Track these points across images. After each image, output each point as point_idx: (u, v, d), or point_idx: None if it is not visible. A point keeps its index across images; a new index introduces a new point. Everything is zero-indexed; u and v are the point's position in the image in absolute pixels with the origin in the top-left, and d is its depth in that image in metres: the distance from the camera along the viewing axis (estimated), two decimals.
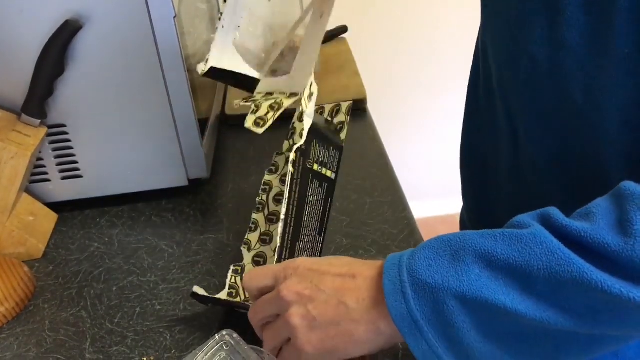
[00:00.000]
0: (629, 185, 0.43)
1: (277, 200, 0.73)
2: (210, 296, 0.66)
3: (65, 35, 0.76)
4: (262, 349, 0.53)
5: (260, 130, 0.63)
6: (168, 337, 0.67)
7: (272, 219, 0.72)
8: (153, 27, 0.77)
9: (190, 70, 0.84)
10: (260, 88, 0.71)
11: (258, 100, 0.67)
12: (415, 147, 2.22)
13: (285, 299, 0.51)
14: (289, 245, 0.62)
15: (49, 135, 0.83)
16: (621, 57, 0.47)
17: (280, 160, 0.75)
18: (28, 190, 0.86)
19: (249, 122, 0.64)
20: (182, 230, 0.85)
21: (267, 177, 0.74)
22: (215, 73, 0.70)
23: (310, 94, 0.65)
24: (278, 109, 0.64)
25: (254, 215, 0.73)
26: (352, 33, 1.39)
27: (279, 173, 0.74)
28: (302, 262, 0.54)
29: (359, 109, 1.13)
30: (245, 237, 0.73)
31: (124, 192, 0.90)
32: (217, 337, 0.52)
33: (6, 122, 0.79)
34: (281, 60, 0.76)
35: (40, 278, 0.79)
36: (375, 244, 0.78)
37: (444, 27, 1.98)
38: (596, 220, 0.42)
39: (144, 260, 0.80)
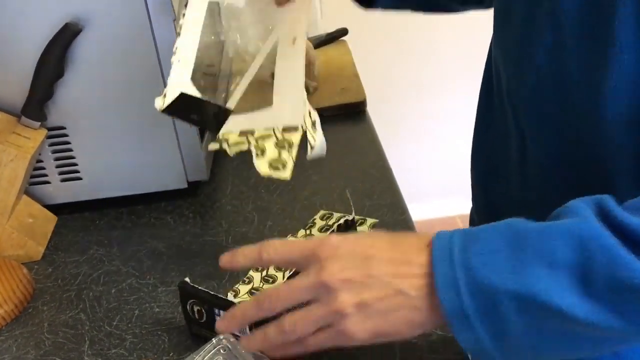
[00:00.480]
0: None
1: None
2: (197, 287, 0.64)
3: (65, 38, 0.76)
4: (261, 354, 0.53)
5: (285, 175, 0.60)
6: (166, 340, 0.67)
7: (268, 280, 0.71)
8: (153, 30, 0.78)
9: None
10: (231, 127, 0.63)
11: (255, 138, 0.62)
12: (414, 149, 2.22)
13: (330, 286, 0.48)
14: None
15: (48, 137, 0.84)
16: (622, 64, 0.48)
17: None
18: (27, 192, 0.86)
19: (263, 168, 0.60)
20: (180, 232, 0.85)
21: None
22: (178, 105, 0.62)
23: (313, 123, 0.63)
24: (290, 146, 0.60)
25: (250, 272, 0.72)
26: (352, 35, 1.40)
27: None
28: (340, 241, 0.51)
29: (358, 111, 1.13)
30: (235, 287, 0.71)
31: (123, 195, 0.90)
32: (214, 341, 0.52)
33: (6, 124, 0.80)
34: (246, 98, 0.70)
35: (39, 280, 0.79)
36: None
37: (443, 30, 1.99)
38: None
39: (142, 263, 0.80)
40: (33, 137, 0.81)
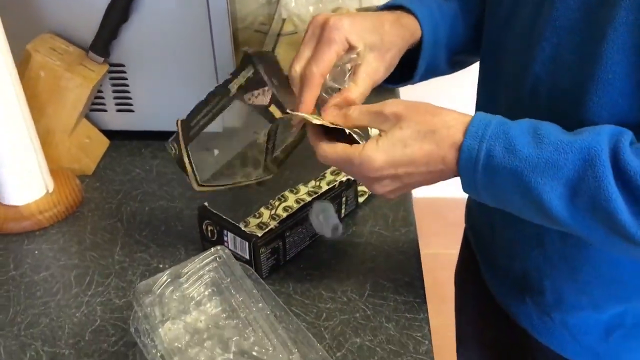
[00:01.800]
0: None
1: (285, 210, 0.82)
2: (212, 211, 0.77)
3: None
4: (250, 269, 0.65)
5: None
6: (182, 252, 0.81)
7: (275, 217, 0.81)
8: None
9: (236, 29, 0.96)
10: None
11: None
12: None
13: (377, 192, 0.61)
14: None
15: (109, 72, 0.98)
16: (607, 81, 0.56)
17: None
18: (87, 117, 1.01)
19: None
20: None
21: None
22: None
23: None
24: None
25: (262, 209, 0.84)
26: None
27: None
28: (381, 165, 0.58)
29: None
30: (247, 218, 0.82)
31: (167, 130, 1.03)
32: (212, 250, 0.65)
33: (76, 56, 0.94)
34: None
35: (88, 191, 0.94)
36: (374, 233, 0.89)
37: None
38: None
39: (174, 189, 0.94)
40: (97, 70, 0.94)
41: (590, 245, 0.64)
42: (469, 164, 0.55)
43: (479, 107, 0.78)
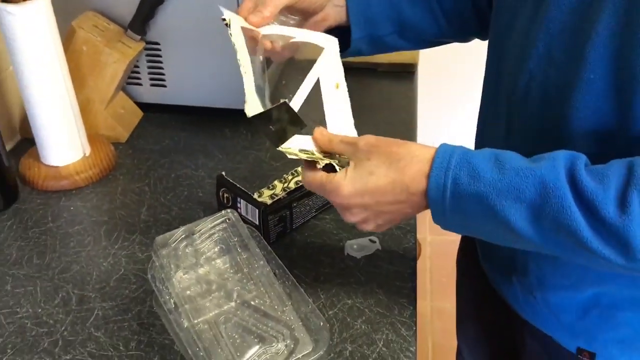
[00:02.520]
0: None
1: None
2: (229, 180, 0.84)
3: None
4: (255, 230, 0.73)
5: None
6: (201, 215, 0.89)
7: (286, 189, 0.87)
8: None
9: None
10: (290, 144, 0.70)
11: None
12: (455, 117, 2.28)
13: (350, 221, 0.65)
14: None
15: (145, 49, 1.06)
16: (590, 80, 0.61)
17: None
18: (124, 90, 1.10)
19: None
20: (233, 143, 1.06)
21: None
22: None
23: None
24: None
25: (275, 182, 0.90)
26: None
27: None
28: (349, 193, 0.62)
29: (409, 71, 1.29)
30: (261, 189, 0.88)
31: (196, 105, 1.12)
32: (222, 213, 0.73)
33: (115, 33, 1.02)
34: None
35: (120, 157, 1.03)
36: None
37: None
38: (609, 187, 0.53)
39: (199, 160, 1.02)
40: (133, 47, 1.03)
41: None
42: (437, 193, 0.59)
43: (482, 104, 0.84)
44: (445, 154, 0.60)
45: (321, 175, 0.66)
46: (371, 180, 0.62)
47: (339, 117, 0.72)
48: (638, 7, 0.55)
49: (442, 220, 0.61)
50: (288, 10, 0.79)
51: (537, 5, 0.66)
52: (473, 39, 0.91)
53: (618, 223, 0.53)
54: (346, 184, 0.63)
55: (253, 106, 0.69)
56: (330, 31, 0.82)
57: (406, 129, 1.10)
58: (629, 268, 0.56)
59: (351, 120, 0.73)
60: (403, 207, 0.63)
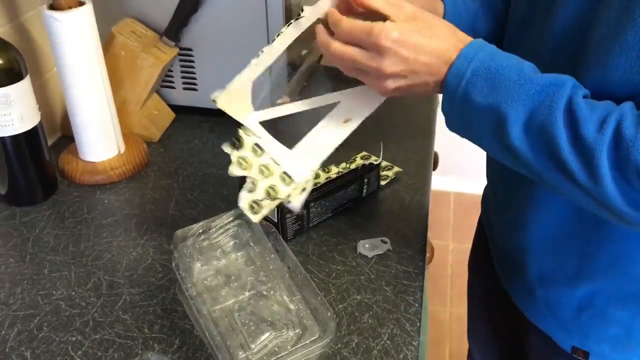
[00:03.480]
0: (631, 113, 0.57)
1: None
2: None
3: None
4: (268, 224, 0.79)
5: (254, 219, 0.71)
6: (225, 211, 0.95)
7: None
8: None
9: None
10: (253, 128, 0.77)
11: (253, 178, 0.74)
12: None
13: (382, 72, 0.65)
14: None
15: (179, 55, 1.13)
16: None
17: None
18: (157, 92, 1.17)
19: (243, 203, 0.72)
20: (301, 126, 1.11)
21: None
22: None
23: (304, 189, 0.74)
24: (274, 198, 0.72)
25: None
26: None
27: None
28: (396, 39, 0.63)
29: None
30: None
31: None
32: (237, 209, 0.79)
33: (151, 39, 1.09)
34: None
35: (152, 155, 1.10)
36: (390, 212, 1.01)
37: None
38: (594, 111, 0.58)
39: (224, 160, 1.07)
40: (168, 52, 1.10)
41: (566, 224, 0.74)
42: (456, 77, 0.63)
43: None
44: (476, 46, 0.64)
45: (365, 21, 0.66)
46: (417, 38, 0.64)
47: (324, 140, 0.74)
48: (628, 18, 0.59)
49: (450, 107, 0.65)
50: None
51: (544, 18, 0.71)
52: None
53: (591, 140, 0.57)
54: (397, 29, 0.64)
55: (228, 100, 0.74)
56: None
57: (425, 132, 1.15)
58: (593, 193, 0.59)
59: (331, 151, 0.74)
60: (429, 72, 0.65)
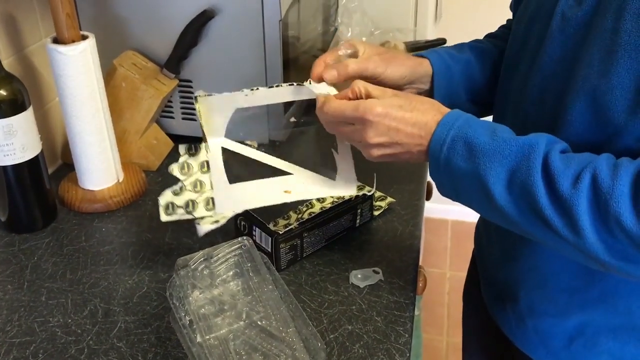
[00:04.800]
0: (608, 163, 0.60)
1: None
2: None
3: (203, 19, 1.07)
4: (269, 262, 0.81)
5: (163, 218, 0.82)
6: (220, 241, 0.96)
7: (301, 219, 0.92)
8: (264, 24, 1.06)
9: (298, 54, 1.11)
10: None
11: (184, 186, 0.83)
12: None
13: (367, 142, 0.73)
14: None
15: (179, 86, 1.16)
16: (569, 122, 0.69)
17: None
18: (157, 122, 1.19)
19: (163, 200, 0.82)
20: (254, 171, 1.14)
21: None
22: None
23: (216, 222, 0.82)
24: (189, 212, 0.81)
25: (290, 212, 0.98)
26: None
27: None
28: (380, 112, 0.71)
29: None
30: (276, 219, 0.96)
31: None
32: (238, 239, 0.81)
33: (152, 71, 1.12)
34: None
35: (150, 184, 1.12)
36: (382, 243, 1.03)
37: None
38: (569, 166, 0.61)
39: None
40: (168, 84, 1.13)
41: (555, 259, 0.76)
42: (437, 145, 0.69)
43: None
44: (454, 116, 0.70)
45: (353, 100, 0.75)
46: (399, 111, 0.71)
47: (254, 196, 0.84)
48: (613, 58, 0.62)
49: (437, 173, 0.70)
50: (365, 79, 0.85)
51: (533, 55, 0.74)
52: None
53: (567, 195, 0.60)
54: (381, 104, 0.72)
55: (207, 106, 0.84)
56: None
57: (417, 165, 1.17)
58: (577, 246, 0.62)
59: (250, 207, 0.84)
60: (413, 143, 0.71)
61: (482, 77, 0.92)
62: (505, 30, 0.99)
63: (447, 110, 0.71)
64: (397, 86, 0.87)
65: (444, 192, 0.73)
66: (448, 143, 0.68)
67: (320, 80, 0.83)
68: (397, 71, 0.85)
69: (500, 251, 0.86)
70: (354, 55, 0.86)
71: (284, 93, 0.85)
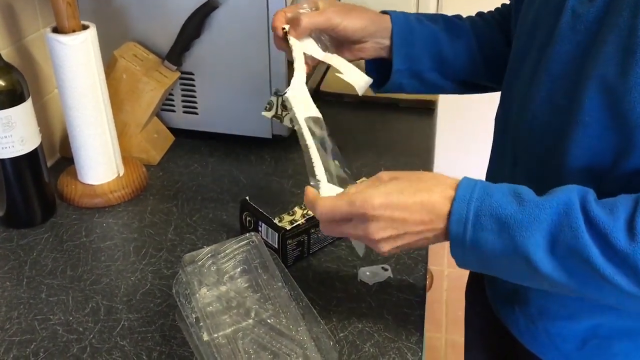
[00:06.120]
0: None
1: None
2: (252, 204, 0.90)
3: (205, 10, 1.04)
4: (277, 257, 0.78)
5: (267, 114, 0.85)
6: (225, 236, 0.95)
7: (305, 215, 0.91)
8: (268, 15, 1.04)
9: None
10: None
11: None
12: (469, 152, 2.29)
13: (373, 239, 0.64)
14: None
15: (180, 79, 1.13)
16: (585, 123, 0.66)
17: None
18: (158, 115, 1.17)
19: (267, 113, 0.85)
20: (257, 170, 1.12)
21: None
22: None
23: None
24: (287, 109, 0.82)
25: (295, 208, 0.94)
26: None
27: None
28: (380, 205, 0.62)
29: (429, 108, 1.34)
30: (281, 215, 0.92)
31: (225, 132, 1.18)
32: (247, 235, 0.78)
33: (153, 63, 1.10)
34: None
35: (151, 178, 1.09)
36: None
37: None
38: (618, 217, 0.57)
39: (224, 184, 1.08)
40: (169, 76, 1.10)
41: None
42: (459, 225, 0.61)
43: (493, 141, 0.89)
44: (468, 187, 0.63)
45: (342, 195, 0.66)
46: (401, 198, 0.63)
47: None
48: (632, 58, 0.60)
49: (461, 253, 0.63)
50: (325, 32, 0.85)
51: (540, 53, 0.71)
52: None
53: (628, 250, 0.56)
54: (379, 195, 0.63)
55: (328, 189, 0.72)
56: (372, 61, 0.90)
57: (424, 162, 1.15)
58: None
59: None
60: (425, 230, 0.64)
61: (451, 52, 0.90)
62: (495, 14, 0.97)
63: (455, 181, 0.64)
64: (359, 38, 0.86)
65: (469, 268, 0.67)
66: (472, 220, 0.61)
67: (280, 30, 0.83)
68: (356, 22, 0.84)
69: None
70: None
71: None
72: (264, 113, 0.86)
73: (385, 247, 0.66)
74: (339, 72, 0.87)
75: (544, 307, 0.80)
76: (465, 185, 0.63)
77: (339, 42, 0.88)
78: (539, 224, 0.59)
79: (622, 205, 0.58)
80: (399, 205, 0.63)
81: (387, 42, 0.88)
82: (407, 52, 0.88)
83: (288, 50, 0.84)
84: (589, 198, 0.60)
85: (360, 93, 0.88)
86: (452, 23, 0.93)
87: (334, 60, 0.87)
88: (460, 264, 0.66)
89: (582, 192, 0.61)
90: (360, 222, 0.64)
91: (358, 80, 0.88)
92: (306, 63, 0.85)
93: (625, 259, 0.57)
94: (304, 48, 0.84)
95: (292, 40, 0.83)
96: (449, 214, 0.62)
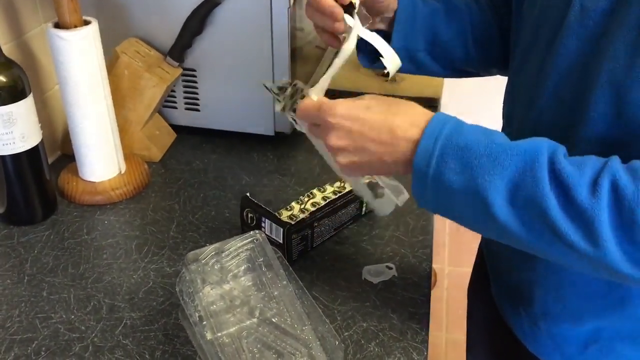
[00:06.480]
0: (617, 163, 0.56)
1: None
2: (253, 201, 0.89)
3: (208, 6, 1.03)
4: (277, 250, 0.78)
5: (278, 106, 0.78)
6: (227, 233, 0.94)
7: (304, 210, 0.90)
8: (272, 12, 1.03)
9: (302, 45, 1.08)
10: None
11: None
12: None
13: (330, 145, 0.66)
14: None
15: (182, 75, 1.12)
16: (592, 119, 0.65)
17: None
18: (160, 112, 1.16)
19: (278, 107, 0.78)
20: (259, 167, 1.11)
21: None
22: None
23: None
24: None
25: (293, 203, 0.94)
26: None
27: None
28: (341, 114, 0.64)
29: (432, 105, 1.33)
30: (279, 210, 0.91)
31: (227, 129, 1.17)
32: (251, 233, 0.78)
33: (155, 59, 1.09)
34: None
35: (153, 175, 1.08)
36: (394, 237, 1.00)
37: None
38: (584, 173, 0.55)
39: (226, 181, 1.07)
40: (171, 73, 1.09)
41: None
42: (424, 158, 0.60)
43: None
44: (439, 122, 0.61)
45: (320, 99, 0.69)
46: (365, 113, 0.64)
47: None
48: (637, 53, 0.59)
49: (422, 188, 0.62)
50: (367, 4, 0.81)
51: (547, 48, 0.70)
52: (495, 72, 0.94)
53: (587, 205, 0.55)
54: (342, 106, 0.65)
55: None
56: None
57: None
58: (593, 258, 0.57)
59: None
60: (384, 152, 0.63)
61: (446, 32, 0.88)
62: None
63: (430, 114, 0.63)
64: (384, 11, 0.84)
65: (428, 206, 0.65)
66: (437, 156, 0.60)
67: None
68: None
69: (514, 253, 0.83)
70: None
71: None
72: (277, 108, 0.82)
73: (342, 160, 0.66)
74: (380, 55, 0.81)
75: (547, 308, 0.79)
76: (437, 119, 0.62)
77: (365, 17, 0.86)
78: (503, 169, 0.58)
79: (590, 163, 0.57)
80: (358, 118, 0.64)
81: (390, 15, 0.86)
82: (405, 33, 0.86)
83: (339, 29, 0.75)
84: (558, 151, 0.59)
85: (391, 74, 0.83)
86: (452, 5, 0.90)
87: (377, 40, 0.80)
88: (421, 201, 0.65)
89: (553, 146, 0.60)
90: (324, 128, 0.67)
91: (395, 61, 0.81)
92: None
93: (583, 213, 0.55)
94: (358, 29, 0.75)
95: (355, 20, 0.75)
96: (417, 144, 0.61)
